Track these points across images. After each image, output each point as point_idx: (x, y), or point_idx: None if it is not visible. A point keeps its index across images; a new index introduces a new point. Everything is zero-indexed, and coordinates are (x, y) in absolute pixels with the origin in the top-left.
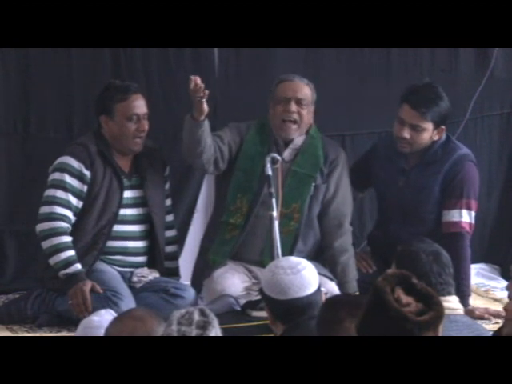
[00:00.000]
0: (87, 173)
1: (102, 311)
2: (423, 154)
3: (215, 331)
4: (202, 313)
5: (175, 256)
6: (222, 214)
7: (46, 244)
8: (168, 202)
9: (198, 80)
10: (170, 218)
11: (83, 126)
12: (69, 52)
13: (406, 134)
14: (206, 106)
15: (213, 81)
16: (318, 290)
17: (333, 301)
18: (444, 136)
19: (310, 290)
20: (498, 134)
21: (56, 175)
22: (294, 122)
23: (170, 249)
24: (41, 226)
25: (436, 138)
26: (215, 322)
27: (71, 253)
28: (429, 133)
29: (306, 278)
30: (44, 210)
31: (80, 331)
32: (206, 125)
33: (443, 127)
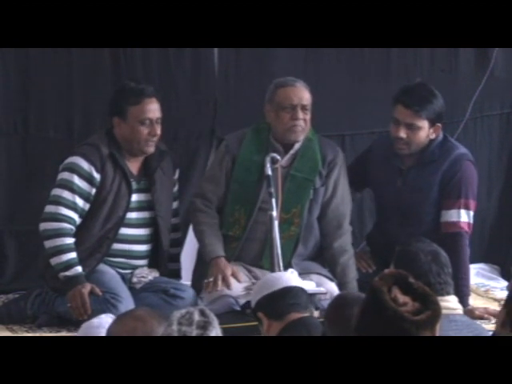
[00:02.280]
0: (97, 176)
1: (103, 315)
2: (420, 154)
3: (216, 331)
4: (203, 313)
5: (178, 258)
6: (220, 227)
7: (48, 244)
8: (175, 204)
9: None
10: (176, 220)
11: (83, 125)
12: (69, 52)
13: (403, 133)
14: None
15: (213, 81)
16: (306, 290)
17: (342, 299)
18: (441, 135)
19: (296, 283)
20: (498, 134)
21: (65, 175)
22: (301, 128)
23: (173, 251)
24: (44, 226)
25: (433, 136)
26: (215, 322)
27: (73, 255)
28: (425, 131)
29: (291, 275)
30: (49, 209)
31: (81, 333)
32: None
33: (439, 125)
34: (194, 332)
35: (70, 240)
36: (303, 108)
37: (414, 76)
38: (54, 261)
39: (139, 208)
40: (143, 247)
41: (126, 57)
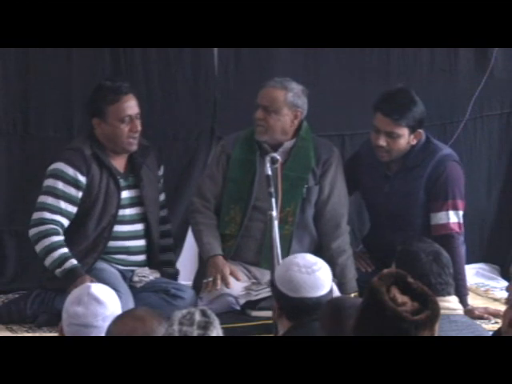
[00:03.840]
0: (83, 179)
1: (85, 298)
2: (404, 159)
3: (216, 332)
4: (204, 313)
5: (170, 248)
6: (218, 226)
7: (38, 247)
8: (162, 196)
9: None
10: (163, 212)
11: (83, 126)
12: (69, 52)
13: (382, 141)
14: None
15: (213, 81)
16: (330, 292)
17: (337, 307)
18: (423, 138)
19: (322, 291)
20: (498, 134)
21: (50, 182)
22: (261, 127)
23: (164, 242)
24: (32, 231)
25: (414, 142)
26: (216, 322)
27: (64, 250)
28: (405, 138)
29: (320, 279)
30: (35, 215)
31: (66, 323)
32: None
33: (420, 131)
34: (194, 332)
35: (58, 238)
36: (264, 108)
37: (414, 76)
38: (47, 261)
39: (131, 204)
40: (140, 242)
41: (125, 57)
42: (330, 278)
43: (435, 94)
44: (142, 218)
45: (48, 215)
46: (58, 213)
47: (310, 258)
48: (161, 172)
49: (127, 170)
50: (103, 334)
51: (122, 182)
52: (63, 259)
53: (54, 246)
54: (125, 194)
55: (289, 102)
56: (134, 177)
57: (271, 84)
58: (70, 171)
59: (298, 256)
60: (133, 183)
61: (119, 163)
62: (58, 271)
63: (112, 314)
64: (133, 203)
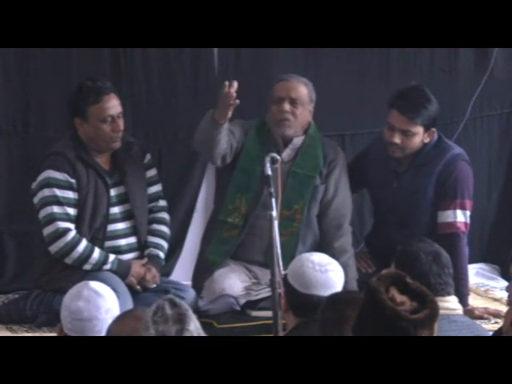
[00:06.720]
0: (73, 181)
1: (85, 292)
2: (415, 156)
3: (194, 324)
4: (174, 304)
5: (166, 222)
6: (219, 214)
7: (70, 259)
8: (156, 187)
9: (235, 86)
10: (163, 202)
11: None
12: (69, 52)
13: (397, 139)
14: (230, 113)
15: (213, 81)
16: None
17: (336, 299)
18: (436, 137)
19: (332, 292)
20: (498, 134)
21: (46, 192)
22: (288, 120)
23: (162, 215)
24: (55, 247)
25: (427, 140)
26: (190, 312)
27: (97, 248)
28: (419, 136)
29: (332, 279)
30: (48, 230)
31: (68, 320)
32: (225, 127)
33: (434, 129)
34: (172, 329)
35: (85, 243)
36: (292, 101)
37: (414, 76)
38: (88, 266)
39: (119, 202)
40: (131, 240)
41: (125, 57)
42: (342, 280)
43: (435, 94)
44: (130, 215)
45: (61, 224)
46: (67, 220)
47: (326, 257)
48: (146, 160)
49: (111, 167)
50: (106, 328)
51: (108, 180)
52: (104, 255)
53: (87, 251)
54: (112, 192)
55: (310, 97)
56: (118, 173)
57: (293, 78)
58: (60, 175)
59: (314, 254)
60: (118, 180)
61: (103, 161)
62: (104, 267)
63: (112, 307)
64: (121, 200)
